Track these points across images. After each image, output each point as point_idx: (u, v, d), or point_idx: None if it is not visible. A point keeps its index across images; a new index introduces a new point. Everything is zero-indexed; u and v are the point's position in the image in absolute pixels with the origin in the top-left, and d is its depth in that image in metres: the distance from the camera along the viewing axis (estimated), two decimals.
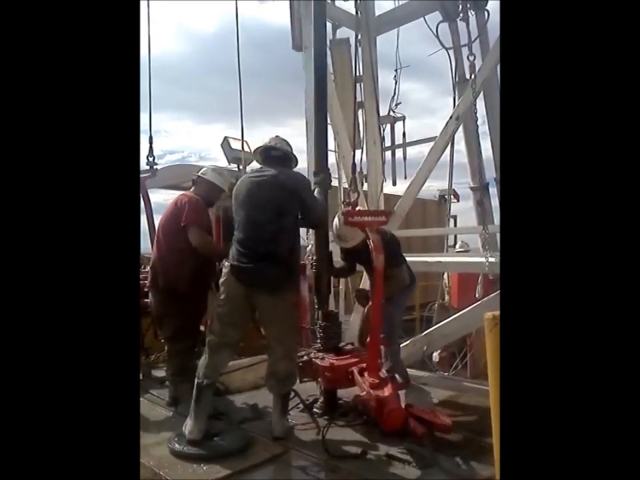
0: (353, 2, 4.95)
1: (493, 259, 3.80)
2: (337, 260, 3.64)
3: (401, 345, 4.03)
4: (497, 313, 1.37)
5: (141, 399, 3.29)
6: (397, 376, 3.46)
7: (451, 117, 4.67)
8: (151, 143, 4.41)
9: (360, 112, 5.42)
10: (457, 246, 7.85)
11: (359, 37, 4.70)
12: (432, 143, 4.92)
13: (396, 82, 6.44)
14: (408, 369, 3.88)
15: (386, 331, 3.36)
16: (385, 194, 5.66)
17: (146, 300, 3.53)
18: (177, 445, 2.57)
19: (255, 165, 3.26)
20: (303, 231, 3.60)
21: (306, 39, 5.00)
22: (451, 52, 5.80)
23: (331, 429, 2.71)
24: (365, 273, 4.36)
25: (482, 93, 4.94)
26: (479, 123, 4.22)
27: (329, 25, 5.18)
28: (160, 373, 3.93)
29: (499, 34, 2.49)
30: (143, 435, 2.51)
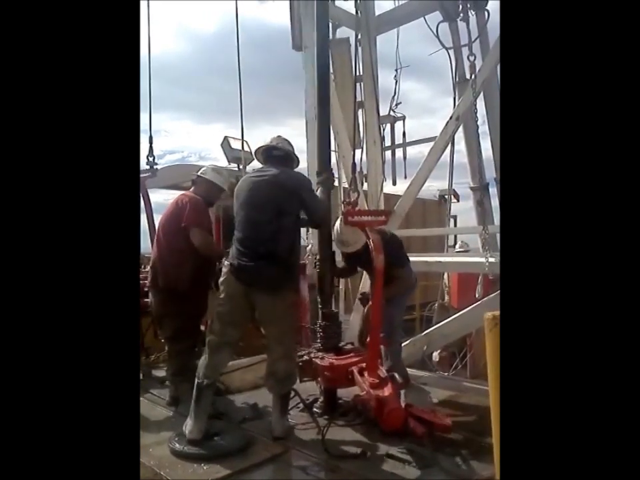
0: (353, 2, 4.94)
1: (493, 259, 3.80)
2: (339, 260, 3.65)
3: (401, 345, 4.03)
4: (497, 313, 1.37)
5: (141, 398, 3.29)
6: (396, 375, 3.46)
7: (451, 117, 4.67)
8: (150, 142, 4.40)
9: (360, 112, 5.42)
10: (457, 246, 7.85)
11: (359, 36, 4.69)
12: (432, 143, 4.92)
13: (396, 82, 6.46)
14: (408, 369, 3.88)
15: (386, 330, 3.36)
16: (384, 194, 5.66)
17: (146, 300, 3.53)
18: (177, 445, 2.57)
19: (256, 164, 3.27)
20: (303, 230, 3.60)
21: (306, 38, 5.00)
22: (451, 52, 5.81)
23: (331, 428, 2.71)
24: (365, 273, 4.36)
25: (482, 93, 4.94)
26: (479, 122, 4.21)
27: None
28: (160, 372, 3.93)
29: (499, 34, 2.49)
30: (143, 435, 2.51)
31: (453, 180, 6.78)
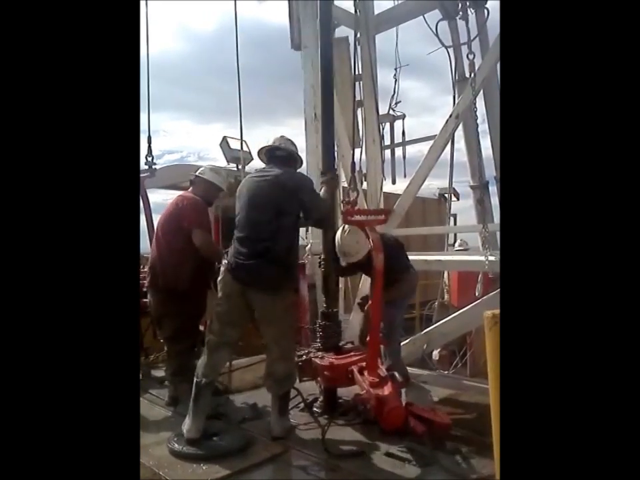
0: (352, 1, 4.93)
1: (493, 258, 3.80)
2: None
3: (401, 344, 4.04)
4: (497, 311, 1.37)
5: (141, 398, 3.28)
6: (396, 374, 3.46)
7: (450, 116, 4.67)
8: (149, 142, 4.39)
9: (359, 110, 5.42)
10: (457, 244, 7.87)
11: (358, 35, 4.68)
12: (432, 142, 4.93)
13: (395, 80, 6.47)
14: (408, 367, 3.88)
15: (386, 330, 3.36)
16: (384, 193, 5.66)
17: (145, 300, 3.53)
18: (176, 445, 2.57)
19: (255, 164, 3.27)
20: (302, 230, 3.59)
21: (305, 38, 5.00)
22: (451, 50, 5.82)
23: (331, 428, 2.71)
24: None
25: (482, 92, 4.96)
26: (478, 121, 4.22)
27: None
28: (159, 372, 3.93)
29: (499, 32, 2.49)
30: (142, 435, 2.50)
31: (453, 178, 6.81)
